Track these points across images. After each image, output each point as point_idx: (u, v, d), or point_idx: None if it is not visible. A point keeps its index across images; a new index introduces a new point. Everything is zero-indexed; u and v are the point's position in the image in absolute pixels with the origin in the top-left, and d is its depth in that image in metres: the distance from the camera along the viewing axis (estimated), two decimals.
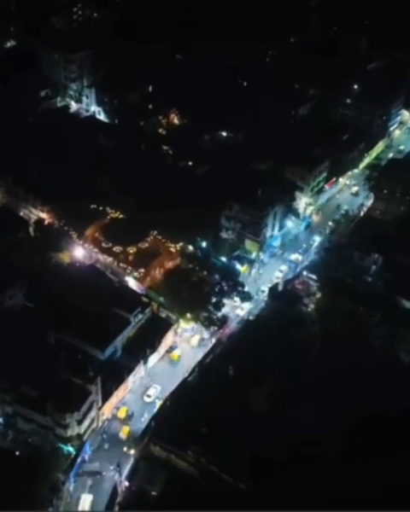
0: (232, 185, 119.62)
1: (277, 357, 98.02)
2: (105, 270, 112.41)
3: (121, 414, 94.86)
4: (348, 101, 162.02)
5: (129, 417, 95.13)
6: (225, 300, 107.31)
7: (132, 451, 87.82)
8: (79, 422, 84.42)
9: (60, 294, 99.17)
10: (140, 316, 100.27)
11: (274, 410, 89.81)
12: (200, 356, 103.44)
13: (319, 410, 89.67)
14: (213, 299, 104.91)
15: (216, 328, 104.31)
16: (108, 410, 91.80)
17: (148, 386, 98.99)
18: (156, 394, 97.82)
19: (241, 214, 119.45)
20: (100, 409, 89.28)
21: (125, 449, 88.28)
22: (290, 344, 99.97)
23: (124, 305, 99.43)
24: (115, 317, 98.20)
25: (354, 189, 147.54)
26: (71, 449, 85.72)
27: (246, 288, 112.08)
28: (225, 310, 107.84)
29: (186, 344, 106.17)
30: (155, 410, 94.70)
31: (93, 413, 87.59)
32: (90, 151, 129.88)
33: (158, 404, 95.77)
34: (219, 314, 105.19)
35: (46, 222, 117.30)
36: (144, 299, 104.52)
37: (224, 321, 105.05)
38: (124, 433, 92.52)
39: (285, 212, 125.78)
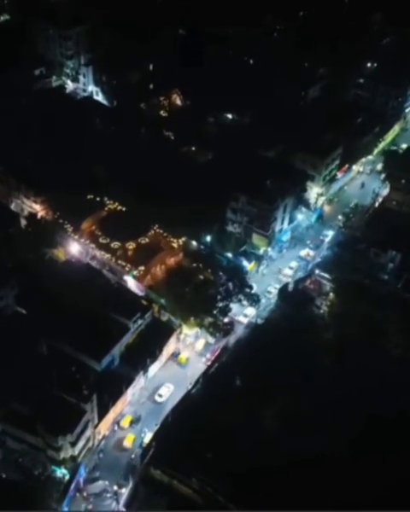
0: (239, 174, 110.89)
1: (287, 367, 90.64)
2: (102, 268, 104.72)
3: (125, 423, 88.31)
4: (361, 80, 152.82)
5: (136, 421, 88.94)
6: (232, 304, 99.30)
7: (125, 490, 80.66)
8: (73, 444, 77.23)
9: (53, 297, 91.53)
10: (140, 321, 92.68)
11: (285, 428, 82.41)
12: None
13: (335, 427, 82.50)
14: (219, 304, 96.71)
15: (222, 334, 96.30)
16: (104, 427, 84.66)
17: (159, 385, 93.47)
18: (169, 393, 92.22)
19: (248, 207, 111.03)
20: (96, 427, 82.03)
21: (115, 488, 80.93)
22: (302, 351, 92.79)
23: (122, 309, 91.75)
24: (113, 323, 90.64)
25: (379, 165, 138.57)
26: (65, 471, 78.77)
27: (254, 288, 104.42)
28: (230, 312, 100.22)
29: (190, 349, 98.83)
30: (167, 411, 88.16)
31: (88, 432, 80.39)
32: (86, 137, 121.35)
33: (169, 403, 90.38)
34: (226, 319, 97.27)
35: (39, 215, 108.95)
36: (144, 302, 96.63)
37: (230, 327, 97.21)
38: (128, 441, 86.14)
39: (296, 203, 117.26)
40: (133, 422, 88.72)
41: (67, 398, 77.67)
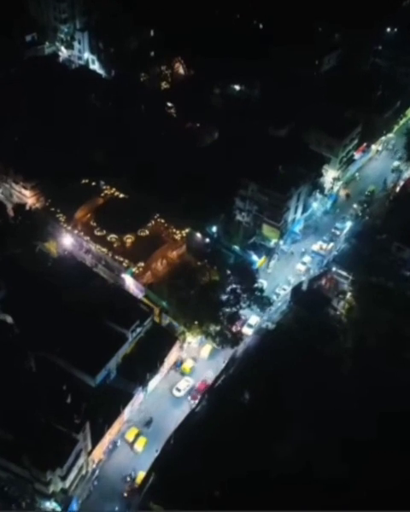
0: (248, 157, 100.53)
1: (301, 379, 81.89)
2: (98, 262, 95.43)
3: (130, 436, 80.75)
4: (380, 48, 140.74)
5: (147, 424, 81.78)
6: (241, 311, 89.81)
7: None
8: (63, 478, 68.88)
9: (44, 302, 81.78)
10: (139, 329, 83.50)
11: (300, 454, 73.93)
12: (212, 370, 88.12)
13: (359, 454, 74.17)
14: (227, 309, 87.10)
15: (229, 345, 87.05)
16: (99, 452, 76.24)
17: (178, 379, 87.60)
18: (188, 388, 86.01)
19: (258, 195, 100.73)
20: (89, 454, 73.63)
21: None
22: (318, 360, 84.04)
23: (120, 316, 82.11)
24: (109, 333, 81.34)
25: None
26: (55, 504, 70.68)
27: (264, 286, 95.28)
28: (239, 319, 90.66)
29: (196, 356, 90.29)
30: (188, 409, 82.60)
31: (81, 461, 71.97)
32: (81, 114, 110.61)
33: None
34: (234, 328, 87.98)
35: (28, 206, 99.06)
36: (144, 307, 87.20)
37: (239, 336, 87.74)
38: (139, 445, 79.95)
39: (310, 190, 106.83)
40: (146, 425, 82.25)
41: (56, 427, 68.88)
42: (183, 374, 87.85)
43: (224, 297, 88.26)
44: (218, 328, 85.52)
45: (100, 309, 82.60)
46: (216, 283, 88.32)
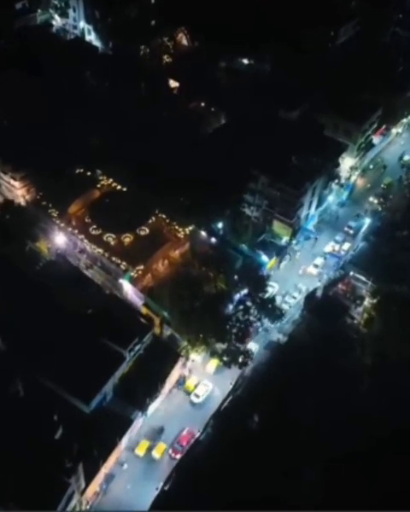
0: (257, 145, 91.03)
1: (316, 399, 74.99)
2: (94, 263, 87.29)
3: (140, 450, 74.54)
4: (400, 16, 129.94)
5: (159, 432, 76.20)
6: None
7: None
8: None
9: (32, 315, 73.94)
10: (138, 347, 75.73)
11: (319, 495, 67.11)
12: (217, 388, 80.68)
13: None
14: (236, 325, 78.83)
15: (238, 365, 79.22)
16: (94, 487, 69.17)
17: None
18: (207, 393, 79.95)
19: (269, 189, 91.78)
20: (83, 493, 66.69)
21: None
22: (334, 377, 76.93)
23: (117, 332, 74.00)
24: (105, 351, 73.45)
25: None
26: None
27: (275, 290, 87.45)
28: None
29: (201, 371, 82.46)
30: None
31: (74, 502, 65.09)
32: (76, 95, 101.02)
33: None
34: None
35: (17, 201, 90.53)
36: (143, 320, 79.28)
37: (249, 356, 79.75)
38: (158, 452, 74.23)
39: (326, 182, 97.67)
40: (157, 434, 76.49)
41: (45, 469, 61.64)
42: (187, 392, 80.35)
43: (231, 307, 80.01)
44: (224, 346, 77.52)
45: (96, 323, 74.93)
46: (222, 294, 79.91)
